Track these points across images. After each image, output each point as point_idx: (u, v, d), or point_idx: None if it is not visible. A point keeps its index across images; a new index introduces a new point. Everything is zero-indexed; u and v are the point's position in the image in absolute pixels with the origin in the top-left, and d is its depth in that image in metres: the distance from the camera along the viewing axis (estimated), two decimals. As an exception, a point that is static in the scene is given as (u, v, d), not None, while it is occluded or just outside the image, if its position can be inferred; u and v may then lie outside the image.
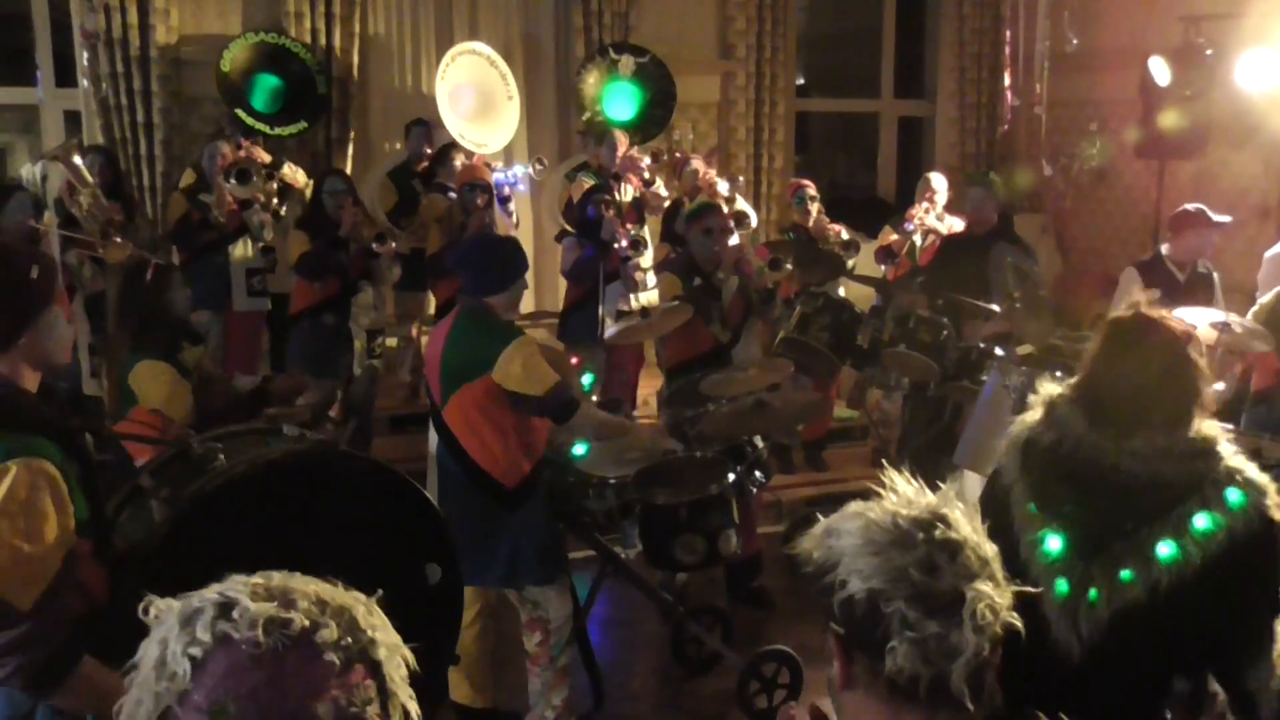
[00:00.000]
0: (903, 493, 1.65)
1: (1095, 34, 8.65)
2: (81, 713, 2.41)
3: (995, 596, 1.53)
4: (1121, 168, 9.15)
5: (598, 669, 4.69)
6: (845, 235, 7.25)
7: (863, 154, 10.77)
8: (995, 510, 2.45)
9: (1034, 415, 2.56)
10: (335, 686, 1.19)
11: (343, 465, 3.14)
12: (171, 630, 1.21)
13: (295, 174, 7.48)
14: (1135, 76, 8.30)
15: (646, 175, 7.61)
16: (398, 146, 8.19)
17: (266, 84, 7.77)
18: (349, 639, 1.23)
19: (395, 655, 1.28)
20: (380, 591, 1.34)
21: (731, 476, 4.35)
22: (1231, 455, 2.36)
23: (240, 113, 7.59)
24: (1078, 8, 8.30)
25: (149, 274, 4.59)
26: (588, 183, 7.33)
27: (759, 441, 4.80)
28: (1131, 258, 6.94)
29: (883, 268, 7.39)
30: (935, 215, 7.37)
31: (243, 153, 7.16)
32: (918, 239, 7.36)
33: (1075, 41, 8.09)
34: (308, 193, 7.05)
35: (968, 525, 1.61)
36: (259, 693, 1.17)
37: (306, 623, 1.21)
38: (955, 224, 7.30)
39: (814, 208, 7.40)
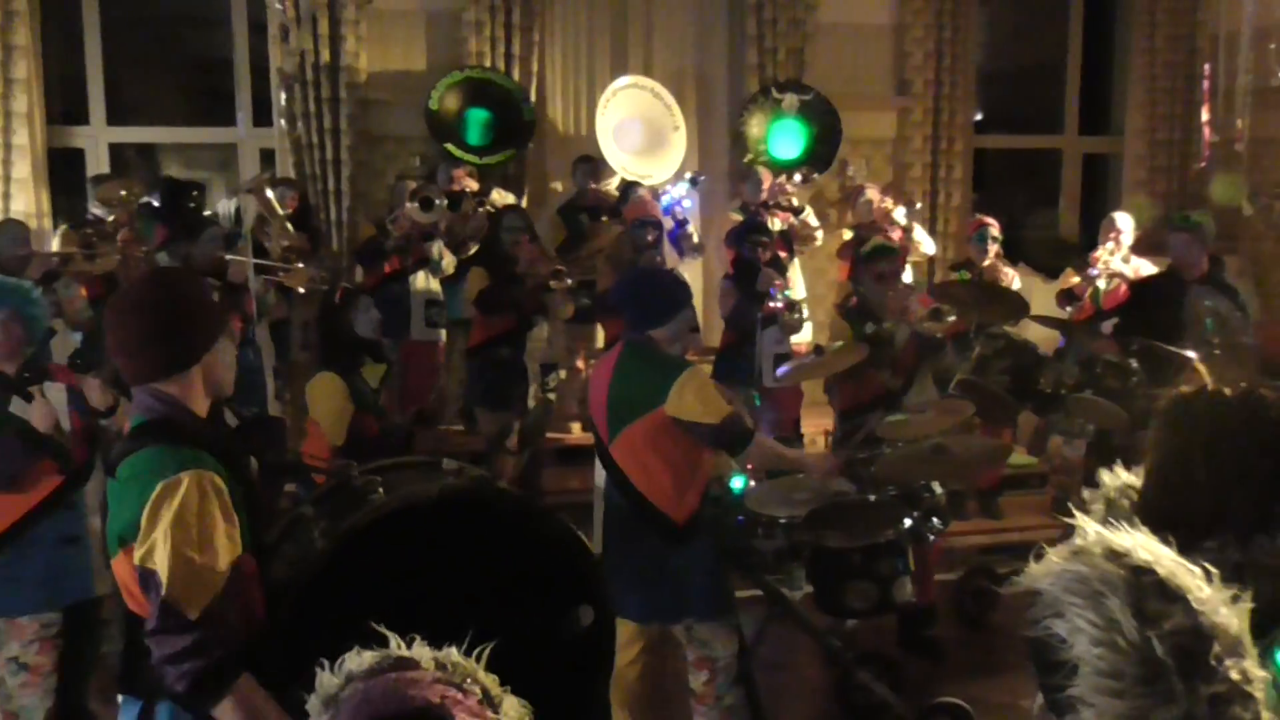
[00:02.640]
0: (1149, 569, 1.38)
1: (1304, 66, 8.19)
2: None
3: None
4: (1330, 207, 8.61)
5: (763, 712, 4.58)
6: (1018, 284, 6.99)
7: (1044, 192, 10.42)
8: None
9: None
10: (435, 678, 1.32)
11: (498, 503, 3.13)
12: None
13: (505, 198, 7.71)
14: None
15: (795, 202, 7.52)
16: (560, 185, 8.33)
17: (478, 118, 8.05)
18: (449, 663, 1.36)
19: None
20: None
21: (908, 522, 4.21)
22: None
23: (450, 146, 7.84)
24: (1284, 39, 7.87)
25: (338, 295, 4.82)
26: (735, 217, 7.32)
27: (936, 487, 4.64)
28: (1340, 304, 6.50)
29: (1067, 310, 7.11)
30: (1120, 257, 7.06)
31: (455, 185, 7.39)
32: (1101, 282, 7.06)
33: (1282, 74, 7.67)
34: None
35: (1233, 639, 1.33)
36: (369, 692, 1.31)
37: (405, 653, 1.37)
38: (1141, 266, 6.98)
39: (992, 249, 7.19)
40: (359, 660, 1.35)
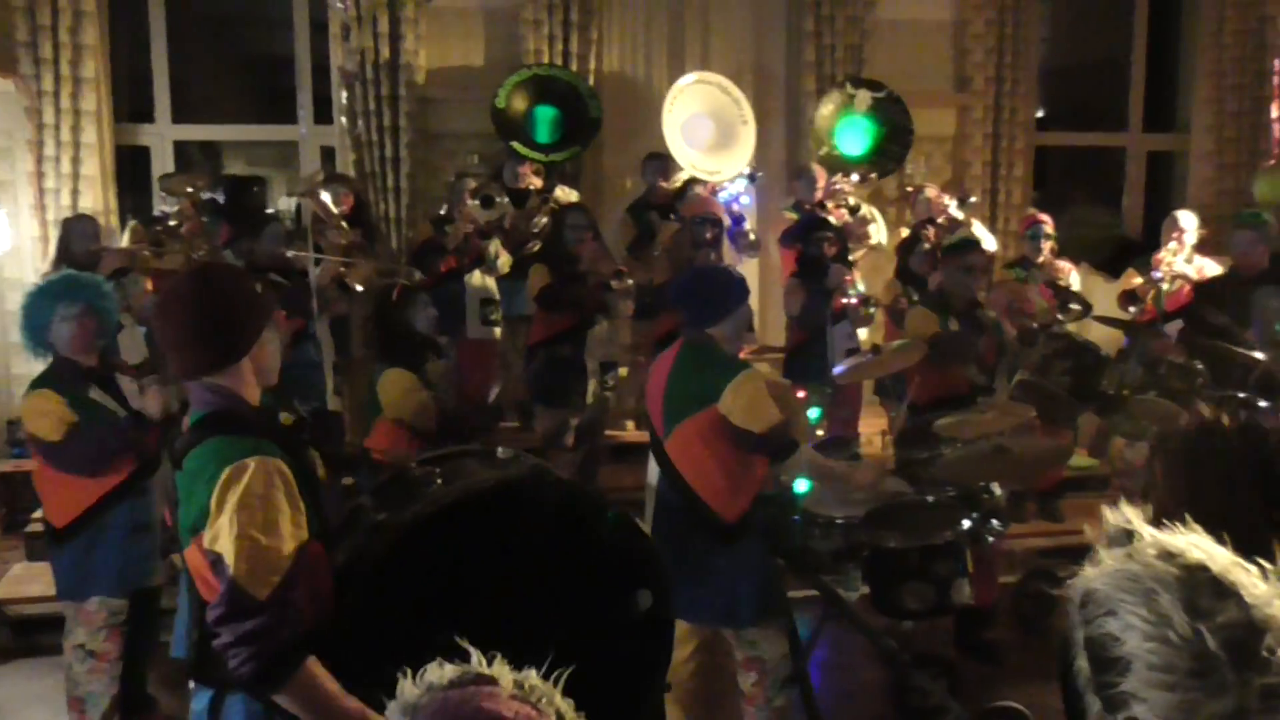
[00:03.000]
0: (1202, 566, 1.37)
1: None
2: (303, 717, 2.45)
3: None
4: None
5: (819, 713, 4.55)
6: (1076, 287, 6.89)
7: (1107, 190, 10.27)
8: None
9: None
10: (512, 695, 1.36)
11: (554, 492, 3.16)
12: None
13: (569, 195, 7.72)
14: None
15: (851, 201, 7.47)
16: (627, 183, 8.33)
17: (546, 115, 8.06)
18: (528, 685, 1.39)
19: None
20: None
21: (966, 523, 4.17)
22: None
23: (516, 144, 7.86)
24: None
25: (395, 294, 4.88)
26: (790, 216, 7.27)
27: (996, 488, 4.59)
28: None
29: (1130, 311, 7.01)
30: (1183, 258, 6.94)
31: (522, 183, 7.43)
32: (1164, 285, 6.95)
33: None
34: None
35: None
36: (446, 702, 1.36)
37: (486, 670, 1.40)
38: (1206, 266, 6.86)
39: (1046, 246, 7.10)
40: (440, 673, 1.39)
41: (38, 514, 6.06)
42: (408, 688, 1.38)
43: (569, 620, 2.98)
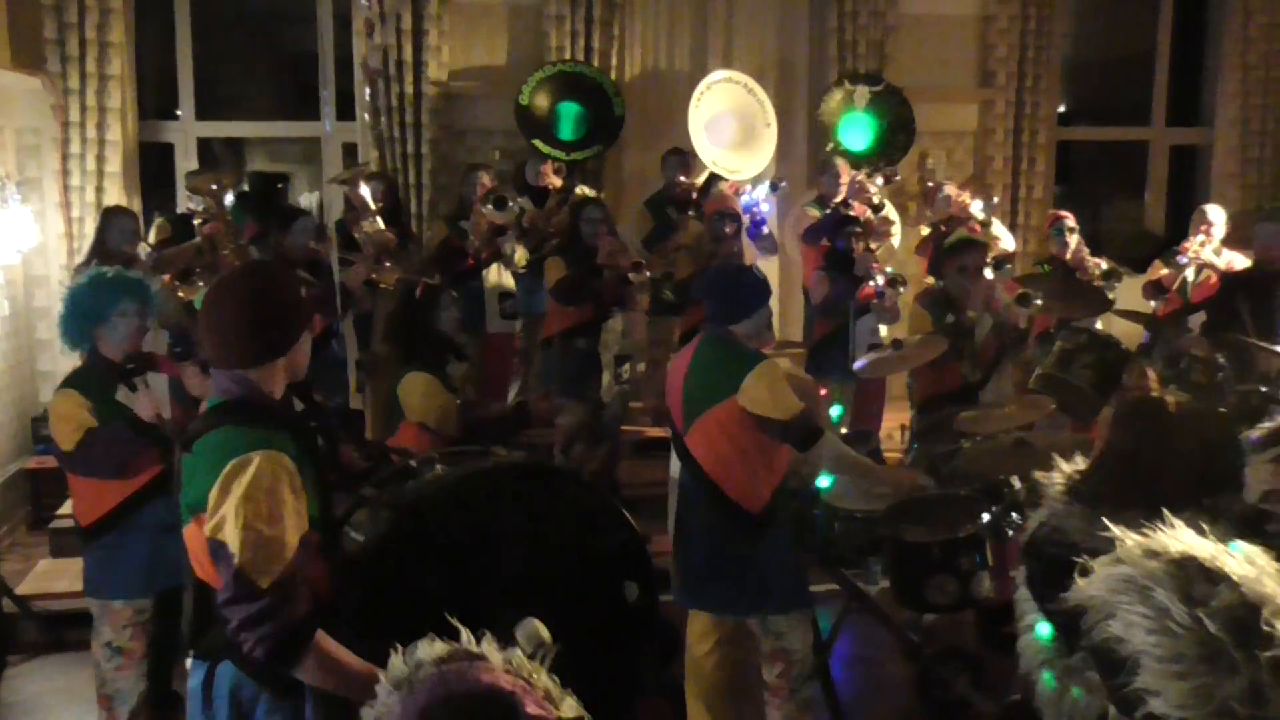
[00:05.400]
0: (1189, 557, 1.42)
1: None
2: (328, 689, 2.54)
3: None
4: None
5: (840, 707, 4.57)
6: (1105, 265, 6.90)
7: (1130, 185, 10.22)
8: None
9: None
10: (505, 669, 1.39)
11: (549, 480, 3.24)
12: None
13: (588, 195, 7.74)
14: None
15: (875, 200, 7.46)
16: (649, 180, 8.34)
17: (570, 111, 8.06)
18: (515, 661, 1.43)
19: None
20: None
21: (987, 517, 4.17)
22: None
23: (537, 142, 7.87)
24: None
25: (419, 292, 4.89)
26: (813, 213, 7.27)
27: (1016, 482, 4.59)
28: None
29: (1152, 304, 6.98)
30: (1211, 249, 6.91)
31: (543, 181, 7.44)
32: (1190, 274, 6.93)
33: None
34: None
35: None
36: (444, 675, 1.38)
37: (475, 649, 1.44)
38: (1234, 259, 6.83)
39: (1073, 239, 7.11)
40: (430, 649, 1.41)
41: (64, 510, 6.13)
42: (396, 663, 1.40)
43: (560, 605, 3.06)
